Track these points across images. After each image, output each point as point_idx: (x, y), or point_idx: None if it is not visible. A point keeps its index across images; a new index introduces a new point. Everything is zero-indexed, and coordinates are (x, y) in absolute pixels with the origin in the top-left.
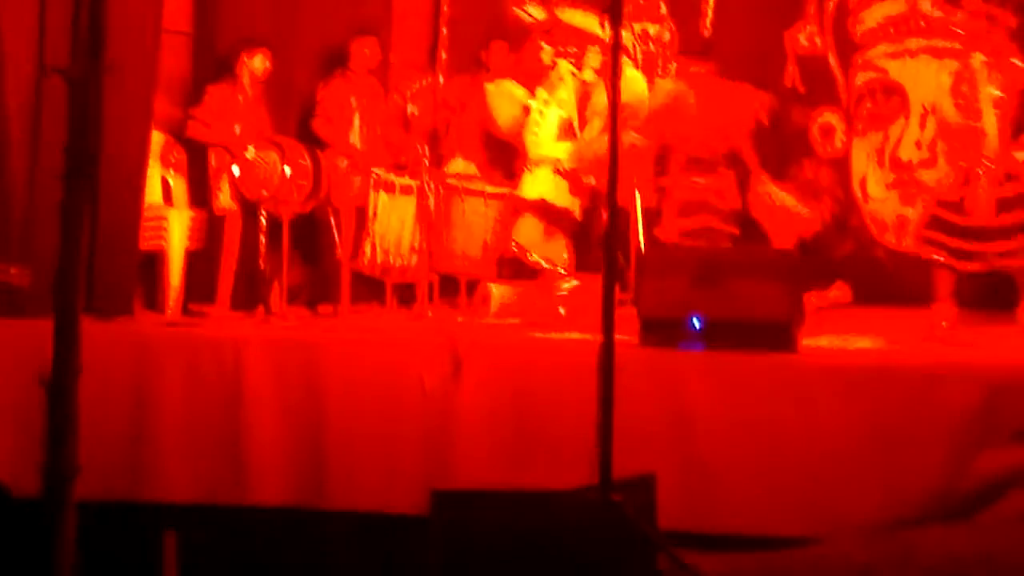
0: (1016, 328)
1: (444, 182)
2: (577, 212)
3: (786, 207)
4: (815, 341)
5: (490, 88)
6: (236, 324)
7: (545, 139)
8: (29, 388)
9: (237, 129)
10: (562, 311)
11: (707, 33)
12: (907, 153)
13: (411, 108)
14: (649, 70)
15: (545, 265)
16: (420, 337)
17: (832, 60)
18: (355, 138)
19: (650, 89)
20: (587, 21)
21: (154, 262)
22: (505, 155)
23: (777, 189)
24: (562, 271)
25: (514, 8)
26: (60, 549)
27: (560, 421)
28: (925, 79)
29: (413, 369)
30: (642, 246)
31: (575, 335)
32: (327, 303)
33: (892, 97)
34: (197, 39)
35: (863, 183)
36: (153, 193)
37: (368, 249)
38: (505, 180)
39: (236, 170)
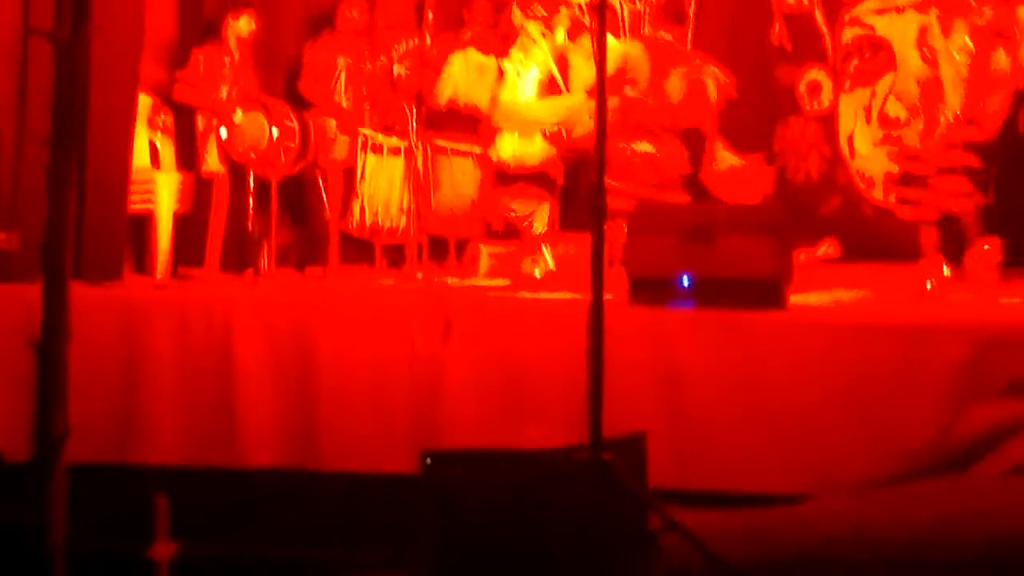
0: (1014, 285)
1: (432, 143)
2: (560, 173)
3: (735, 171)
4: (804, 298)
5: (457, 58)
6: (225, 286)
7: (525, 100)
8: (19, 353)
9: (224, 91)
10: (537, 274)
11: None
12: (894, 110)
13: (398, 69)
14: (635, 30)
15: (525, 225)
16: (410, 298)
17: (819, 17)
18: (342, 99)
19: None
20: None
21: (142, 225)
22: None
23: (731, 155)
24: (540, 231)
25: None
26: (51, 512)
27: (550, 381)
28: (912, 35)
29: (403, 330)
30: None
31: (564, 295)
32: (316, 265)
33: (879, 53)
34: (183, 1)
35: (850, 139)
36: (140, 156)
37: (357, 210)
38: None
39: (223, 132)
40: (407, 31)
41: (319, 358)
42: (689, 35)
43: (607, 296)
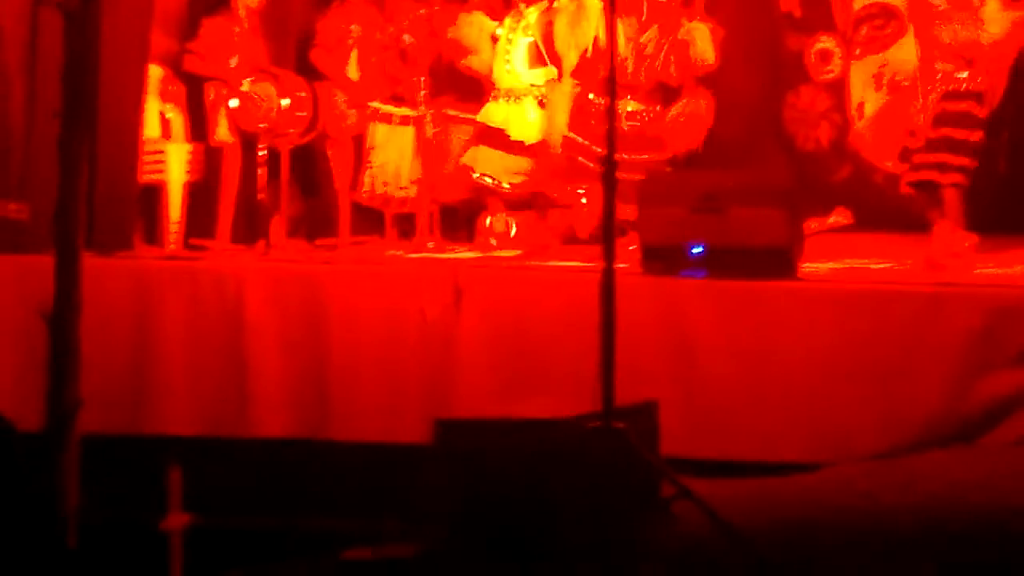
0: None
1: (442, 112)
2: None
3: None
4: (816, 266)
5: (463, 20)
6: (236, 257)
7: (516, 67)
8: (31, 324)
9: (234, 62)
10: (493, 241)
11: None
12: (905, 78)
13: (407, 38)
14: None
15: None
16: (420, 268)
17: None
18: (353, 69)
19: None
20: None
21: (153, 196)
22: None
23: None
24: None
25: None
26: (64, 483)
27: (561, 350)
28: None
29: (414, 300)
30: None
31: (576, 264)
32: (327, 235)
33: (891, 21)
34: None
35: (860, 107)
36: (151, 127)
37: (367, 181)
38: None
39: (234, 103)
40: (416, 1)
41: (330, 328)
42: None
43: (620, 265)
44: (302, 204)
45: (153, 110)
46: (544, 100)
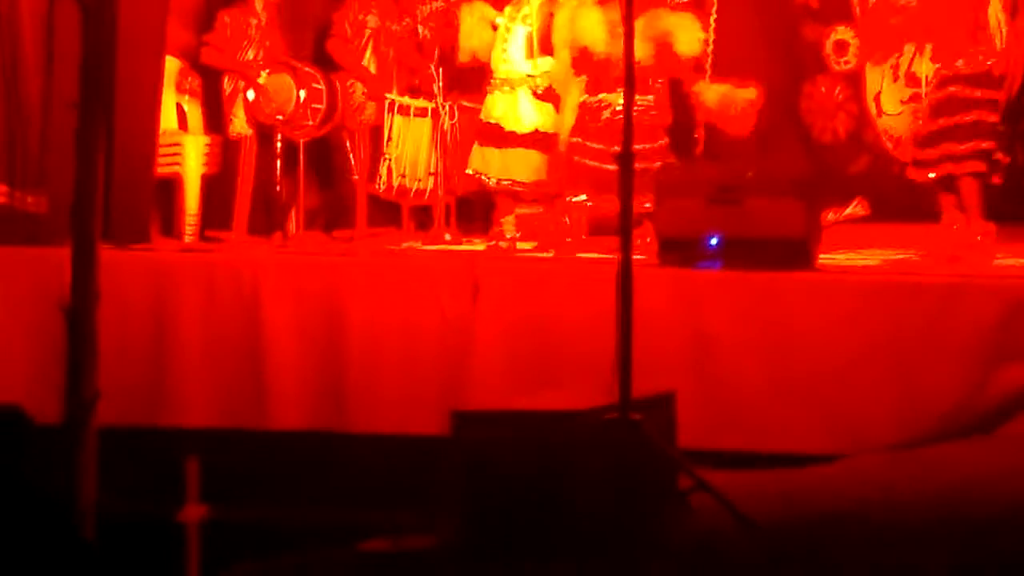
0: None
1: (458, 104)
2: (555, 129)
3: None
4: (833, 257)
5: (464, 11)
6: (253, 249)
7: (514, 57)
8: (48, 315)
9: (251, 54)
10: (503, 244)
11: None
12: (923, 69)
13: (423, 31)
14: None
15: (516, 189)
16: (437, 260)
17: None
18: (369, 60)
19: None
20: None
21: (170, 188)
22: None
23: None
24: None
25: None
26: (81, 475)
27: (578, 342)
28: None
29: (431, 292)
30: None
31: (593, 255)
32: (344, 227)
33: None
34: None
35: (877, 98)
36: (168, 119)
37: (384, 172)
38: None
39: (250, 95)
40: None
41: (347, 320)
42: None
43: (637, 257)
44: (319, 196)
45: (170, 102)
46: (537, 91)
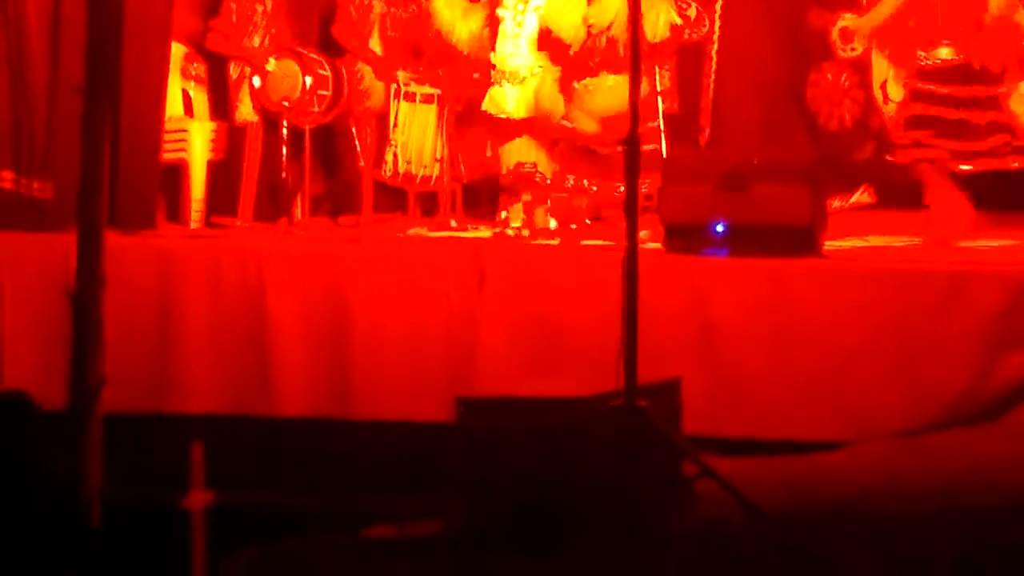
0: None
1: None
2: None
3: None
4: (839, 244)
5: (439, 4)
6: (259, 235)
7: (524, 48)
8: (54, 301)
9: (256, 40)
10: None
11: None
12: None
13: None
14: None
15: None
16: (444, 246)
17: None
18: (376, 45)
19: None
20: None
21: (176, 174)
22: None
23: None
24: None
25: None
26: (86, 462)
27: (584, 328)
28: None
29: (437, 278)
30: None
31: (599, 242)
32: (350, 213)
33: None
34: None
35: (884, 86)
36: (174, 105)
37: (390, 159)
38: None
39: (256, 81)
40: None
41: (353, 307)
42: None
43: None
44: (325, 182)
45: (176, 88)
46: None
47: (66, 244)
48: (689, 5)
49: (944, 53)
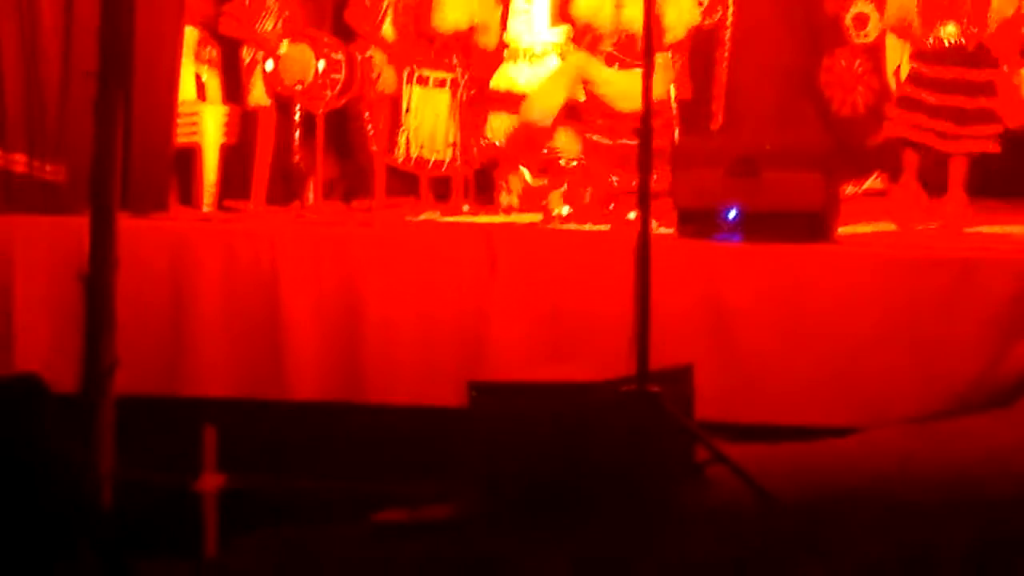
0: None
1: (478, 75)
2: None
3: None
4: (852, 230)
5: None
6: (271, 219)
7: (537, 25)
8: (67, 284)
9: (270, 24)
10: (566, 210)
11: None
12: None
13: None
14: None
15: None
16: (456, 231)
17: None
18: (388, 30)
19: None
20: None
21: (189, 158)
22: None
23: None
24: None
25: None
26: (99, 444)
27: (596, 314)
28: None
29: (449, 263)
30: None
31: (610, 227)
32: (362, 198)
33: None
34: None
35: (897, 72)
36: (186, 89)
37: (403, 143)
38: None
39: (269, 65)
40: None
41: (365, 291)
42: None
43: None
44: (337, 166)
45: (189, 72)
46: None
47: (79, 227)
48: None
49: (951, 30)
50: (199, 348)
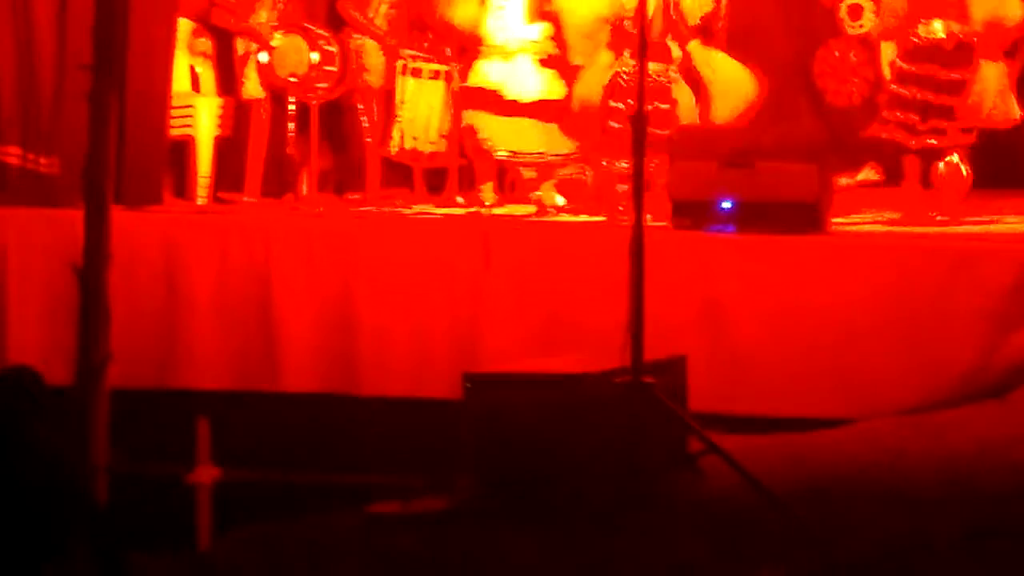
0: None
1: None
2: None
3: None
4: (845, 221)
5: None
6: (266, 211)
7: (513, 22)
8: (61, 277)
9: (263, 15)
10: (560, 200)
11: None
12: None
13: None
14: None
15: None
16: (450, 223)
17: None
18: (382, 22)
19: None
20: None
21: (183, 150)
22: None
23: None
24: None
25: None
26: (93, 436)
27: (590, 305)
28: None
29: (443, 255)
30: None
31: (605, 219)
32: (356, 189)
33: None
34: None
35: (892, 63)
36: (180, 81)
37: (396, 135)
38: None
39: (263, 57)
40: None
41: (359, 283)
42: None
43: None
44: (331, 158)
45: (182, 64)
46: (543, 56)
47: (73, 220)
48: None
49: (938, 26)
50: (193, 340)
